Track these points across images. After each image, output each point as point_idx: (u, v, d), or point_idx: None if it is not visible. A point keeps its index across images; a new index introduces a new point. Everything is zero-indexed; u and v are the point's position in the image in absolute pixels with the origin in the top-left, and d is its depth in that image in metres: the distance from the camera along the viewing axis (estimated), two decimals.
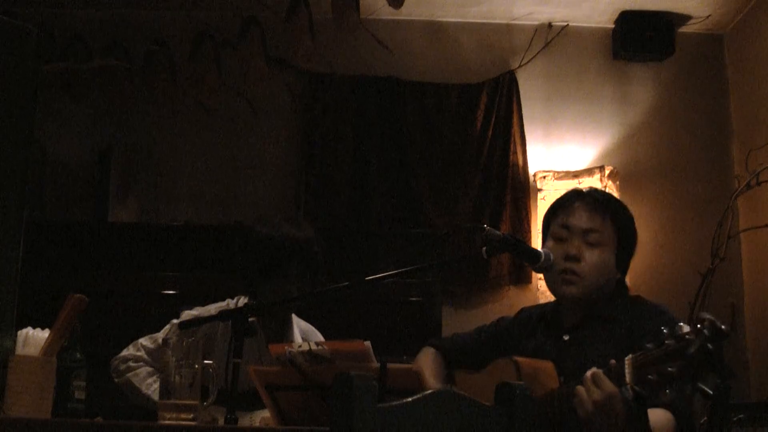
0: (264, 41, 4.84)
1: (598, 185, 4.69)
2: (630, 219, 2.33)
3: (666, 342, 1.71)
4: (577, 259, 2.24)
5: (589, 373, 1.87)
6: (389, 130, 5.11)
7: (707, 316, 1.68)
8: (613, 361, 1.84)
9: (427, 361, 2.49)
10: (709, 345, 1.65)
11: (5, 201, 2.83)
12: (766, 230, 4.59)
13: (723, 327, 1.67)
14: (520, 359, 2.15)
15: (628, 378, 1.78)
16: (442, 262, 3.86)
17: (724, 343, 1.66)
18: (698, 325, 1.68)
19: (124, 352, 2.69)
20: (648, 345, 1.75)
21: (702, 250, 4.77)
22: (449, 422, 1.50)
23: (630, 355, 1.79)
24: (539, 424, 2.00)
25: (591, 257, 2.24)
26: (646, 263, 4.76)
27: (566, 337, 2.26)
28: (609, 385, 1.83)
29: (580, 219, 2.28)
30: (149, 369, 2.65)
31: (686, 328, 1.70)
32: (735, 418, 3.65)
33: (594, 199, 2.31)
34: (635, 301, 2.27)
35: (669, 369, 1.68)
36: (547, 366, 2.16)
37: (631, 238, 2.31)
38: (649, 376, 1.72)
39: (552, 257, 2.21)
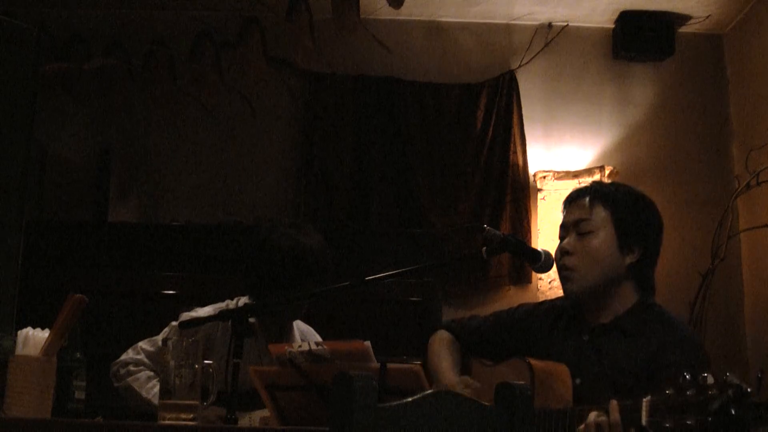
0: (264, 41, 4.84)
1: None
2: (624, 194, 2.28)
3: (687, 392, 1.68)
4: (567, 252, 2.23)
5: (612, 418, 1.83)
6: (389, 130, 5.11)
7: (734, 379, 1.65)
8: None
9: (443, 348, 2.44)
10: (731, 408, 1.63)
11: (5, 201, 2.83)
12: (766, 230, 4.59)
13: (749, 390, 1.64)
14: (534, 362, 2.12)
15: (643, 420, 1.75)
16: (442, 262, 3.85)
17: (747, 407, 1.63)
18: (723, 382, 1.65)
19: (124, 357, 2.67)
20: (668, 391, 1.71)
21: (702, 250, 4.77)
22: (449, 422, 1.49)
23: (648, 397, 1.76)
24: None
25: (582, 247, 2.22)
26: None
27: (586, 338, 2.23)
28: None
29: (570, 214, 2.29)
30: (150, 373, 2.63)
31: (710, 380, 1.66)
32: None
33: (580, 192, 2.31)
34: (660, 318, 2.20)
35: (687, 422, 1.65)
36: (562, 371, 2.13)
37: (631, 213, 2.24)
38: (666, 424, 1.69)
39: (551, 256, 2.21)
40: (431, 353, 2.46)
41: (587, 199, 2.27)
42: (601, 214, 2.24)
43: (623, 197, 2.27)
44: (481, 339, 2.44)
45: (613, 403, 1.86)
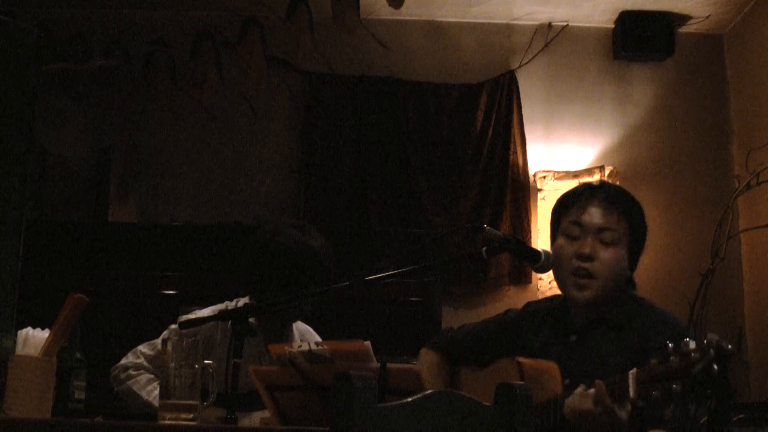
0: (264, 41, 4.84)
1: None
2: (641, 214, 2.27)
3: (671, 359, 1.70)
4: (591, 258, 2.17)
5: (592, 391, 1.85)
6: (389, 130, 5.11)
7: (714, 336, 1.67)
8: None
9: (424, 368, 2.44)
10: (714, 366, 1.64)
11: (5, 201, 2.83)
12: (766, 230, 4.59)
13: (729, 347, 1.66)
14: (523, 360, 2.13)
15: (631, 393, 1.77)
16: (442, 262, 3.85)
17: (728, 364, 1.65)
18: (704, 344, 1.67)
19: (124, 361, 2.67)
20: (652, 361, 1.73)
21: (702, 250, 4.77)
22: (449, 422, 1.50)
23: (634, 370, 1.78)
24: (538, 427, 2.00)
25: (605, 256, 2.17)
26: (646, 263, 4.71)
27: (573, 338, 2.23)
28: (610, 406, 1.82)
29: (595, 216, 2.21)
30: (150, 376, 2.62)
31: (692, 345, 1.68)
32: (735, 418, 3.65)
33: (608, 194, 2.24)
34: (645, 308, 2.21)
35: (673, 387, 1.67)
36: (551, 367, 2.13)
37: (642, 234, 2.25)
38: (653, 393, 1.71)
39: (553, 257, 2.17)
40: None
41: (614, 207, 2.21)
42: (624, 227, 2.21)
43: (639, 213, 2.26)
44: (468, 348, 2.44)
45: (598, 382, 1.88)
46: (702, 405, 1.68)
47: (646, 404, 1.75)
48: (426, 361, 2.48)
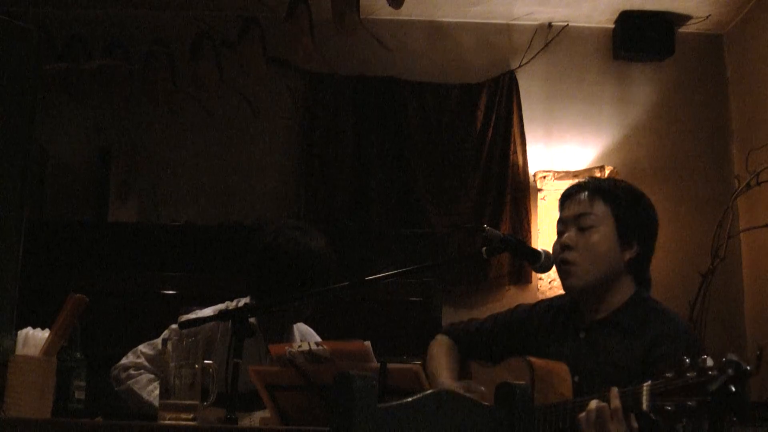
0: (264, 41, 4.84)
1: None
2: (624, 190, 2.29)
3: (687, 374, 1.69)
4: (569, 247, 2.23)
5: (612, 404, 1.84)
6: (389, 130, 5.11)
7: (733, 356, 1.66)
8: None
9: (441, 353, 2.46)
10: (732, 387, 1.63)
11: (5, 201, 2.83)
12: (766, 230, 4.59)
13: (748, 368, 1.65)
14: (534, 360, 2.13)
15: (644, 405, 1.76)
16: (442, 262, 3.86)
17: (747, 384, 1.64)
18: (723, 362, 1.66)
19: (124, 360, 2.66)
20: (668, 374, 1.72)
21: (702, 250, 4.77)
22: (449, 422, 1.50)
23: (648, 382, 1.77)
24: (545, 428, 2.00)
25: (584, 242, 2.22)
26: None
27: (582, 335, 2.24)
28: (620, 428, 1.82)
29: (570, 208, 2.29)
30: (150, 376, 2.62)
31: (710, 362, 1.67)
32: (735, 418, 3.64)
33: (579, 186, 2.32)
34: (657, 314, 2.20)
35: (688, 403, 1.66)
36: (561, 368, 2.14)
37: (631, 210, 2.25)
38: (667, 407, 1.70)
39: (551, 256, 2.21)
40: (430, 358, 2.47)
41: (587, 193, 2.27)
42: (601, 208, 2.25)
43: (622, 192, 2.29)
44: (479, 341, 2.45)
45: (613, 390, 1.87)
46: (714, 423, 1.67)
47: (658, 418, 1.74)
48: (442, 345, 2.48)
